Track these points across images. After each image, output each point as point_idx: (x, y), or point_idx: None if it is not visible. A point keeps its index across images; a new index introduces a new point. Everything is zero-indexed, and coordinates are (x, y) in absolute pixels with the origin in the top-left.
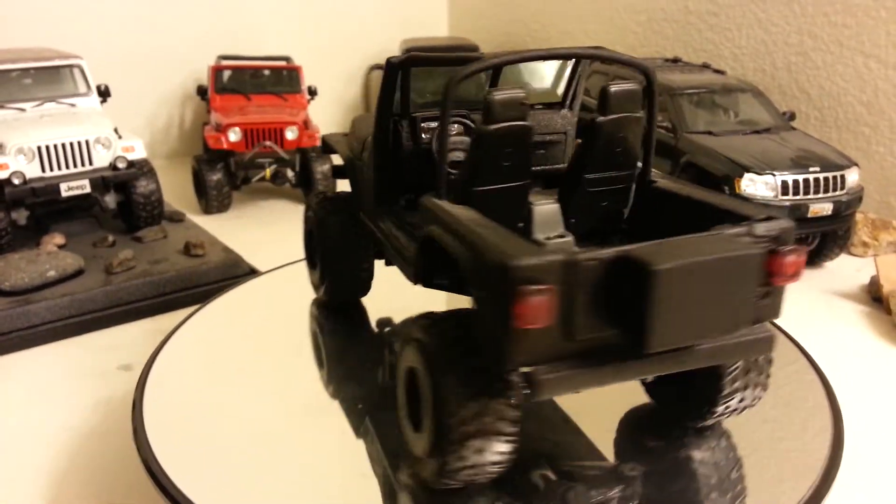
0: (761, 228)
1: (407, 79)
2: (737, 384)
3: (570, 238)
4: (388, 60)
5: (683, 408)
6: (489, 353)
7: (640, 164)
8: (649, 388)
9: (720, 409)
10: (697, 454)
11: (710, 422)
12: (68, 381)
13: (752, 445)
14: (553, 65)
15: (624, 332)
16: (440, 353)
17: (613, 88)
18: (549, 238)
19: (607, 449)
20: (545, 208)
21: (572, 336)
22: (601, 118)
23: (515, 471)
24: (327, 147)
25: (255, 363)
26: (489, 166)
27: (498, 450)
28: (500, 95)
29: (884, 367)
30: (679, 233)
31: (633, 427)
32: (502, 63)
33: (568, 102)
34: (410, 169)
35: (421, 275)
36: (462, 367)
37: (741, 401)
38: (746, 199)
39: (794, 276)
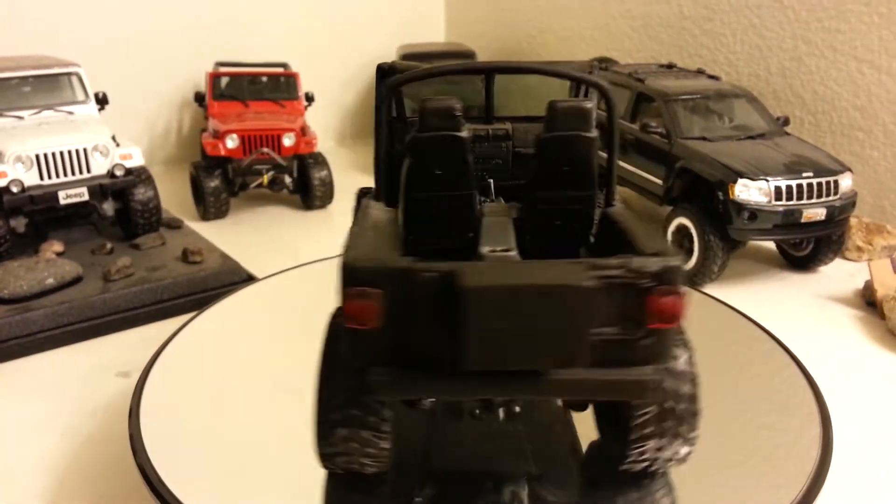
0: (637, 263)
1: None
2: (647, 430)
3: (513, 253)
4: (378, 66)
5: (607, 448)
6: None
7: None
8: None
9: (633, 454)
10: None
11: (634, 468)
12: (67, 388)
13: (739, 451)
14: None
15: (451, 348)
16: (328, 343)
17: (560, 104)
18: (493, 251)
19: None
20: (493, 220)
21: (407, 343)
22: (545, 135)
23: (489, 486)
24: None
25: (252, 369)
26: (423, 173)
27: (367, 441)
28: (432, 104)
29: (877, 371)
30: None
31: None
32: (441, 73)
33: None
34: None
35: None
36: (342, 360)
37: (658, 450)
38: (741, 205)
39: (671, 319)
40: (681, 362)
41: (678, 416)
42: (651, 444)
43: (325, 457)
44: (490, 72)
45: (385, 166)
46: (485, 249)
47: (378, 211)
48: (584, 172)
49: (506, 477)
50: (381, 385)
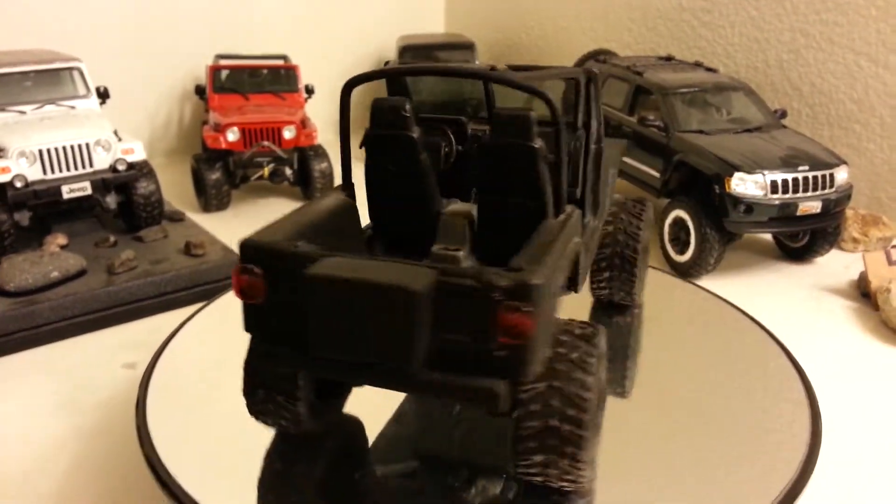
0: (488, 276)
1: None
2: (529, 444)
3: (460, 253)
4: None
5: None
6: None
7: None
8: None
9: (521, 467)
10: (685, 444)
11: (532, 481)
12: (72, 380)
13: (729, 441)
14: None
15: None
16: None
17: (502, 113)
18: (444, 249)
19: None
20: (450, 220)
21: (284, 321)
22: (486, 142)
23: (464, 475)
24: None
25: None
26: (377, 170)
27: (282, 404)
28: (381, 103)
29: (870, 362)
30: None
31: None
32: (398, 73)
33: (580, 122)
34: None
35: None
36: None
37: (546, 467)
38: (737, 198)
39: (517, 336)
40: (575, 385)
41: (563, 437)
42: (537, 458)
43: (252, 412)
44: (427, 74)
45: (348, 161)
46: (435, 248)
47: (330, 200)
48: (529, 181)
49: (483, 470)
50: (259, 356)
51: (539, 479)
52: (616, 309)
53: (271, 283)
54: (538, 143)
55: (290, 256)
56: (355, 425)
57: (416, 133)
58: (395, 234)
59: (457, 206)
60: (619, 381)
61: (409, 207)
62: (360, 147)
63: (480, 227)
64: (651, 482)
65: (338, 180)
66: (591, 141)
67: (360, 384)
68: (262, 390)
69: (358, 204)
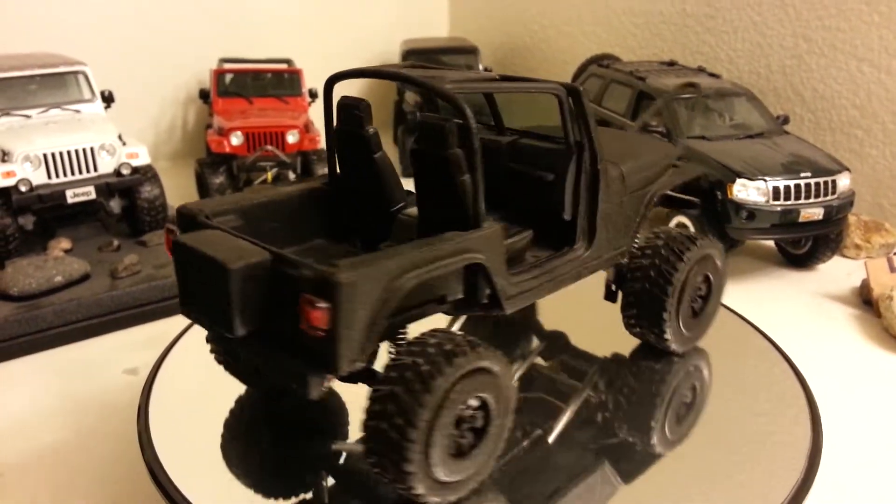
0: (303, 267)
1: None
2: (367, 443)
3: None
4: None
5: None
6: None
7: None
8: None
9: (369, 462)
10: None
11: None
12: (75, 384)
13: (729, 447)
14: None
15: None
16: None
17: (425, 120)
18: (387, 246)
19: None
20: (403, 221)
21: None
22: (413, 148)
23: None
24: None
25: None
26: (342, 164)
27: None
28: (343, 100)
29: (871, 369)
30: None
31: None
32: (371, 74)
33: (571, 141)
34: None
35: None
36: None
37: (382, 468)
38: (739, 204)
39: (312, 328)
40: (410, 396)
41: (388, 441)
42: (373, 459)
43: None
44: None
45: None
46: (382, 245)
47: (302, 186)
48: (448, 189)
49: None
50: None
51: (383, 477)
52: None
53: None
54: (454, 153)
55: (189, 221)
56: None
57: (370, 131)
58: (357, 227)
59: (413, 209)
60: (619, 389)
61: (367, 203)
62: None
63: (419, 231)
64: (652, 489)
65: None
66: (585, 162)
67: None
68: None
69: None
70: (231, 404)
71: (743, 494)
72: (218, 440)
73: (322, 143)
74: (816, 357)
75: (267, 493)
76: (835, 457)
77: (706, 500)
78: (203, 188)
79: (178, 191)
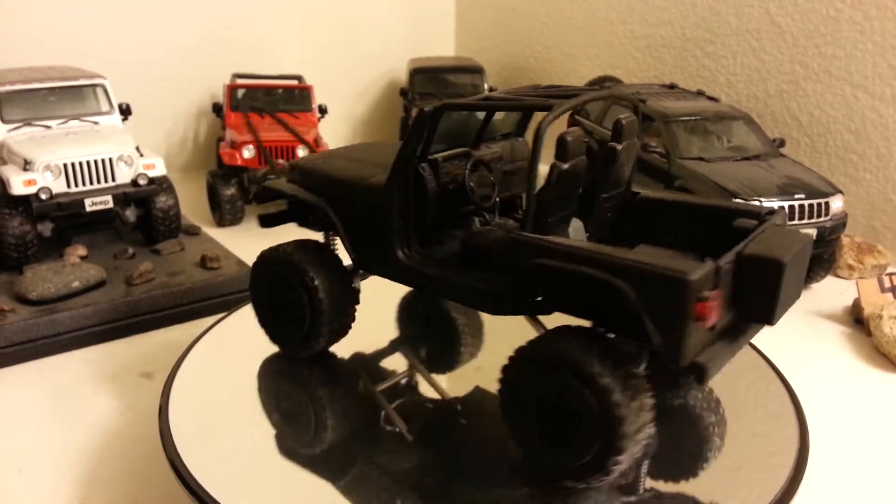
0: (780, 218)
1: (436, 124)
2: None
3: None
4: (422, 110)
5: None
6: (664, 352)
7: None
8: None
9: None
10: (677, 459)
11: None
12: (92, 386)
13: (715, 459)
14: None
15: (747, 313)
16: (599, 363)
17: (626, 121)
18: None
19: None
20: (576, 225)
21: (715, 326)
22: (618, 145)
23: None
24: (268, 194)
25: (271, 373)
26: (558, 198)
27: (645, 437)
28: (572, 136)
29: (860, 386)
30: (669, 234)
31: None
32: (573, 106)
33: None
34: (433, 210)
35: (514, 304)
36: (620, 373)
37: None
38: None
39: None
40: None
41: None
42: None
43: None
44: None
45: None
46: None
47: (565, 240)
48: (628, 172)
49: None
50: (714, 366)
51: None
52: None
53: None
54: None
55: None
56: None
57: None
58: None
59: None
60: None
61: (558, 226)
62: (555, 179)
63: (589, 224)
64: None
65: None
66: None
67: None
68: (642, 433)
69: None
70: (246, 404)
71: None
72: (235, 438)
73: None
74: (807, 372)
75: (281, 486)
76: (819, 469)
77: None
78: (214, 199)
79: (189, 202)
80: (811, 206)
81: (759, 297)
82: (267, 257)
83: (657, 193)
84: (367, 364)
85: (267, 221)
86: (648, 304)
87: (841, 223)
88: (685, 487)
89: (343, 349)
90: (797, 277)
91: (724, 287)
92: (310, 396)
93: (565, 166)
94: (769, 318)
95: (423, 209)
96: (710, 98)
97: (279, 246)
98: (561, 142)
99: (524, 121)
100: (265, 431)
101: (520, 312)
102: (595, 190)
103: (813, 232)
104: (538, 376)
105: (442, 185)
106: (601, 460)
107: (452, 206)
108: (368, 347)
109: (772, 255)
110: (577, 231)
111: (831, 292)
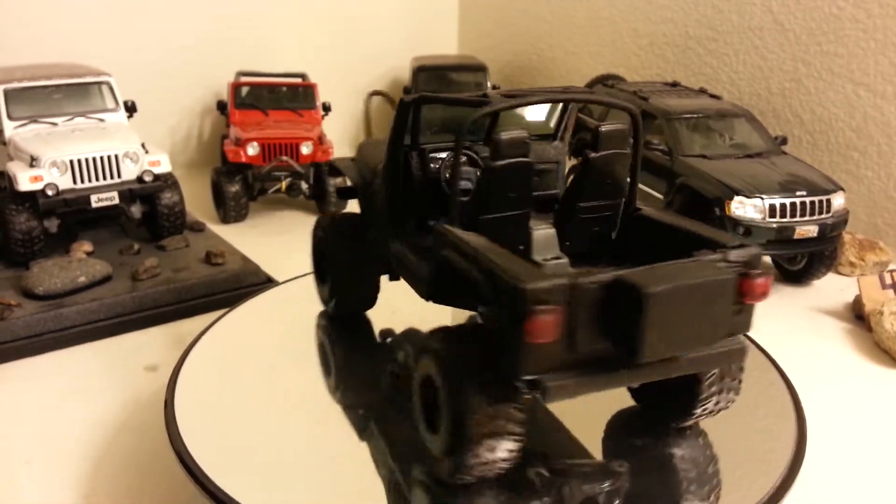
0: (734, 255)
1: (418, 114)
2: (713, 388)
3: (564, 260)
4: (401, 99)
5: (666, 410)
6: (504, 362)
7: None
8: (634, 392)
9: (698, 410)
10: (678, 452)
11: (689, 422)
12: (98, 380)
13: (717, 459)
14: None
15: (618, 345)
16: (457, 362)
17: (604, 129)
18: (546, 259)
19: (596, 448)
20: (543, 233)
21: (574, 348)
22: (593, 154)
23: (513, 469)
24: (335, 170)
25: (275, 367)
26: (496, 198)
27: (508, 448)
28: (506, 136)
29: (861, 382)
30: (659, 257)
31: (619, 428)
32: (512, 106)
33: (559, 134)
34: (420, 196)
35: (433, 293)
36: (476, 376)
37: (717, 403)
38: (736, 221)
39: (763, 295)
40: None
41: (732, 373)
42: (714, 399)
43: (464, 469)
44: (570, 101)
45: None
46: (538, 258)
47: (472, 237)
48: (619, 183)
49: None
50: (557, 389)
51: (705, 416)
52: None
53: (571, 315)
54: (628, 150)
55: (595, 284)
56: None
57: (532, 159)
58: None
59: (536, 218)
60: (620, 392)
61: (512, 227)
62: (485, 177)
63: (566, 233)
64: (653, 481)
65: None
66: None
67: (641, 381)
68: (489, 440)
69: None
70: (251, 397)
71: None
72: (239, 430)
73: (334, 155)
74: (808, 368)
75: (284, 478)
76: (817, 463)
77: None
78: (219, 196)
79: (194, 198)
80: (813, 202)
81: (624, 327)
82: (316, 224)
83: (654, 213)
84: (375, 351)
85: (343, 194)
86: (502, 309)
87: (842, 220)
88: (683, 482)
89: (354, 338)
90: (693, 316)
91: (584, 308)
92: (314, 388)
93: (498, 164)
94: (634, 352)
95: (411, 194)
96: (713, 96)
97: (326, 215)
98: (494, 142)
99: (558, 124)
100: (270, 423)
101: (442, 302)
102: (575, 198)
103: (814, 228)
104: (418, 361)
105: (430, 175)
106: (452, 452)
107: (443, 196)
108: (395, 325)
109: (637, 283)
110: (545, 239)
111: (833, 289)
